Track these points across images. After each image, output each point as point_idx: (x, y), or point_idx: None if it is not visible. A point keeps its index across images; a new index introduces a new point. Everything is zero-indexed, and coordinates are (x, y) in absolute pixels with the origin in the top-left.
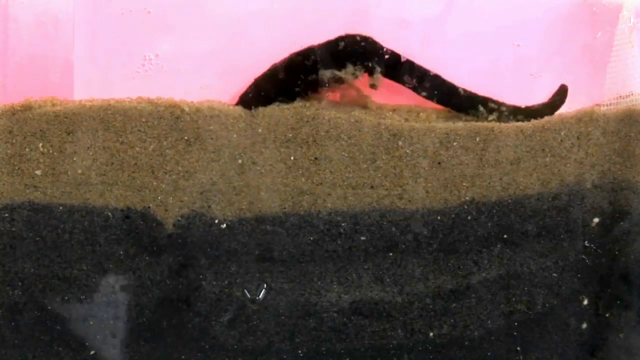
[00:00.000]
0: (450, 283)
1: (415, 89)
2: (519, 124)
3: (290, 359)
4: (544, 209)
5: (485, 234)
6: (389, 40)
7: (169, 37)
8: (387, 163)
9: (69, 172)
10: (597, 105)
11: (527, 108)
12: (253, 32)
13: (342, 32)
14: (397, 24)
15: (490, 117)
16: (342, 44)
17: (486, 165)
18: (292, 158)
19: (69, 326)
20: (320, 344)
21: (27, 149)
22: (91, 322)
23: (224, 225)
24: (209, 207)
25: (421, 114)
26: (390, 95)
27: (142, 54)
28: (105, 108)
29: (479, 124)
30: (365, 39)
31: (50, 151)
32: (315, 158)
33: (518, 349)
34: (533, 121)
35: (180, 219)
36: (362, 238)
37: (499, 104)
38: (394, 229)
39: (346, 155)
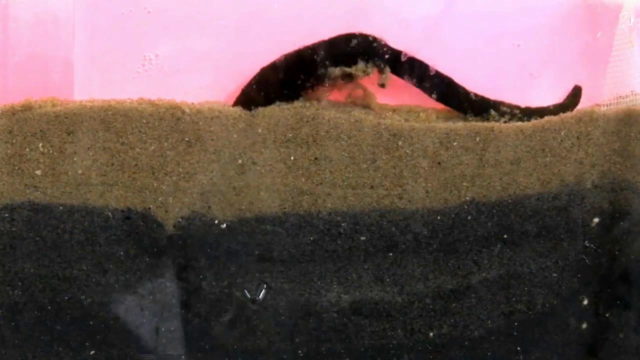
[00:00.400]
0: (450, 283)
1: (424, 89)
2: (519, 124)
3: (290, 359)
4: (544, 209)
5: (485, 234)
6: (389, 39)
7: (169, 37)
8: (387, 163)
9: (69, 173)
10: (597, 105)
11: (538, 109)
12: (253, 32)
13: (342, 32)
14: (397, 24)
15: (502, 120)
16: (355, 41)
17: (486, 165)
18: (292, 158)
19: (69, 326)
20: (320, 344)
21: (27, 149)
22: (91, 323)
23: (224, 225)
24: (209, 207)
25: (421, 114)
26: (392, 94)
27: (142, 54)
28: (106, 109)
29: (479, 124)
30: (376, 39)
31: (51, 151)
32: (315, 158)
33: (518, 349)
34: (533, 121)
35: (180, 220)
36: (362, 238)
37: (512, 107)
38: (394, 229)
39: (346, 155)
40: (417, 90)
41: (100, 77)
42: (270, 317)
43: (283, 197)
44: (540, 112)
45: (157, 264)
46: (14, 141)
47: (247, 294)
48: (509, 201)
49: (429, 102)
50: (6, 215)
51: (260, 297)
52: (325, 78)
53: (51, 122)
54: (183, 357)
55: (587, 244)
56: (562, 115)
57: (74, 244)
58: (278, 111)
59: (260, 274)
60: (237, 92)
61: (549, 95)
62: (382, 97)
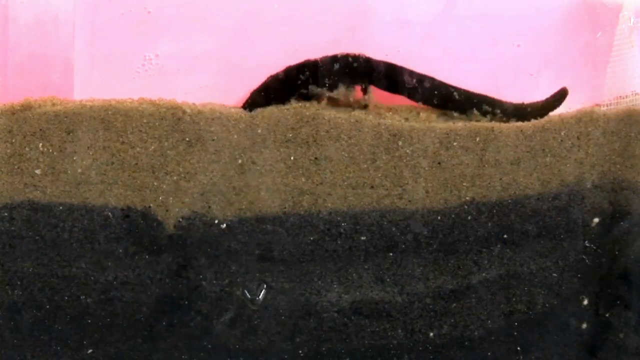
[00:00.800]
0: (450, 283)
1: (413, 97)
2: (519, 124)
3: (290, 358)
4: (544, 209)
5: (485, 234)
6: (389, 40)
7: (169, 37)
8: (387, 163)
9: (69, 172)
10: (597, 105)
11: (520, 108)
12: (253, 32)
13: (342, 32)
14: (397, 24)
15: (486, 118)
16: (336, 65)
17: (486, 165)
18: (292, 158)
19: (67, 325)
20: (321, 344)
21: (27, 149)
22: (90, 321)
23: (224, 225)
24: (209, 207)
25: (421, 114)
26: (390, 95)
27: (142, 54)
28: (106, 108)
29: (479, 124)
30: (357, 59)
31: (50, 150)
32: (315, 158)
33: (518, 349)
34: (533, 121)
35: (180, 220)
36: (362, 238)
37: (495, 105)
38: (394, 229)
39: (346, 155)
40: None
41: (100, 77)
42: (270, 317)
43: (283, 197)
44: (520, 112)
45: (157, 262)
46: (13, 140)
47: (248, 294)
48: (509, 201)
49: None
50: (6, 214)
51: (260, 296)
52: (311, 98)
53: (51, 122)
54: (184, 356)
55: (587, 244)
56: (562, 115)
57: (73, 242)
58: (278, 111)
59: (260, 274)
60: (237, 92)
61: (549, 95)
62: (383, 98)
